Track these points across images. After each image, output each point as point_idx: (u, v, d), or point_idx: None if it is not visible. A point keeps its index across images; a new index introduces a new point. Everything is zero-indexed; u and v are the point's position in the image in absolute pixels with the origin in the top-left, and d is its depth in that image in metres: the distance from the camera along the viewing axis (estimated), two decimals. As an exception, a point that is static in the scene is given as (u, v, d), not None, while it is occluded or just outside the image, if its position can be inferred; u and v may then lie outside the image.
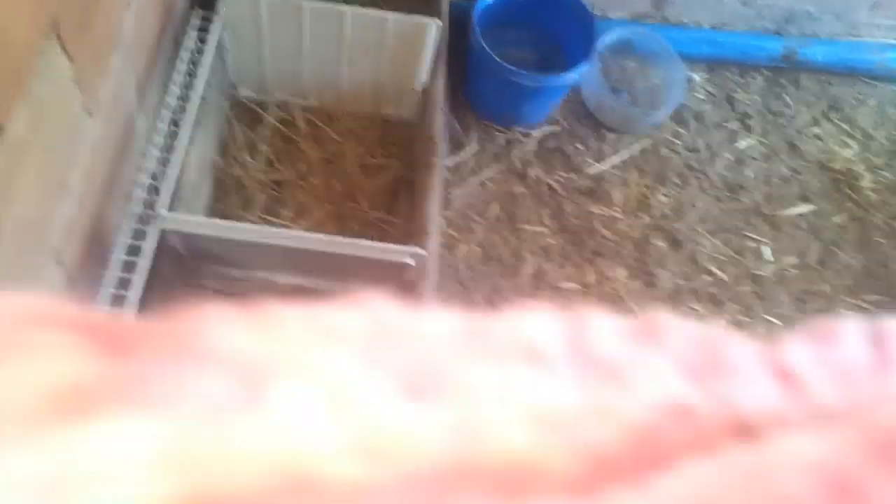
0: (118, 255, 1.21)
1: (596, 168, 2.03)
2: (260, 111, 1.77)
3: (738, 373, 0.21)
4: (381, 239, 1.68)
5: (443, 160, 1.87)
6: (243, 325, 0.18)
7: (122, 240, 1.23)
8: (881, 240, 2.07)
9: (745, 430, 0.19)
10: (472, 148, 1.99)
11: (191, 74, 1.49)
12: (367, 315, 0.20)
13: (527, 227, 1.91)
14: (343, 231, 1.66)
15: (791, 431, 0.19)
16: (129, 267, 1.23)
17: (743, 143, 2.17)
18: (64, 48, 1.04)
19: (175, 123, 1.43)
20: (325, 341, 0.19)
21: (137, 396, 0.16)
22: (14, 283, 0.99)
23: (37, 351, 0.17)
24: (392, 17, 1.56)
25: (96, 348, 0.17)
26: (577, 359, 0.20)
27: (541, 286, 1.84)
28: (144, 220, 1.30)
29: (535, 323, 0.21)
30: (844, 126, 2.26)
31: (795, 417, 0.20)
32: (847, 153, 2.21)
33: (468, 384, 0.18)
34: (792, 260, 2.00)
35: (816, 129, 2.24)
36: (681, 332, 0.22)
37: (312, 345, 0.18)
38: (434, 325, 0.20)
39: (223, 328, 0.18)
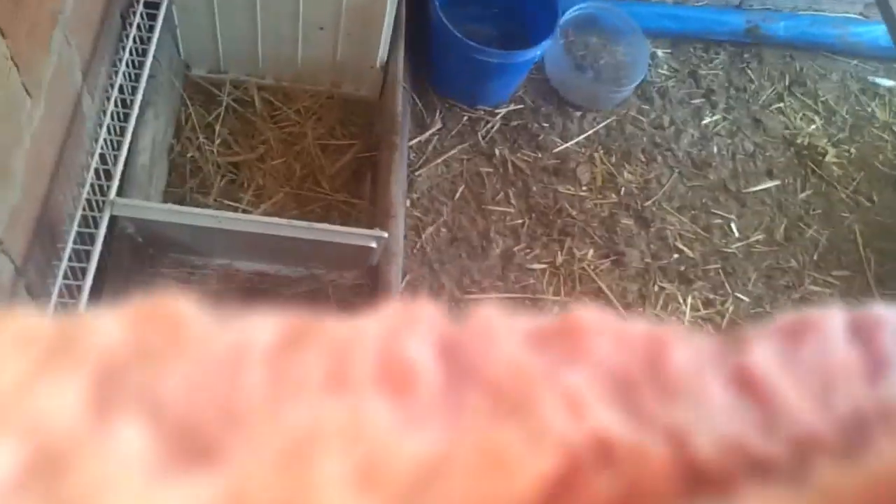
0: (69, 244, 1.14)
1: (561, 146, 2.00)
2: (215, 91, 1.70)
3: (686, 387, 0.16)
4: (345, 222, 1.63)
5: (406, 140, 1.83)
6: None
7: (73, 227, 1.16)
8: (846, 214, 2.07)
9: (698, 479, 0.14)
10: (435, 127, 1.95)
11: (139, 53, 1.42)
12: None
13: (493, 207, 1.88)
14: (305, 214, 1.61)
15: (755, 484, 0.14)
16: (80, 256, 1.17)
17: (708, 119, 2.15)
18: (-1, 24, 0.98)
19: (124, 104, 1.36)
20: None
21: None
22: (-49, 275, 0.93)
23: None
24: (349, -9, 1.50)
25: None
26: (464, 381, 0.15)
27: (509, 267, 1.81)
28: (95, 206, 1.23)
29: (412, 340, 0.16)
30: (808, 101, 2.26)
31: (759, 449, 0.15)
32: (811, 128, 2.21)
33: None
34: (759, 236, 1.99)
35: (780, 105, 2.23)
36: (610, 335, 0.17)
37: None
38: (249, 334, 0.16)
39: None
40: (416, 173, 1.87)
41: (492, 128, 1.99)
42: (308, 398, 0.14)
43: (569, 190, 1.94)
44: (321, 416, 0.14)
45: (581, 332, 0.17)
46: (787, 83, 2.28)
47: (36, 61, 1.12)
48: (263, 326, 0.16)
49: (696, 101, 2.18)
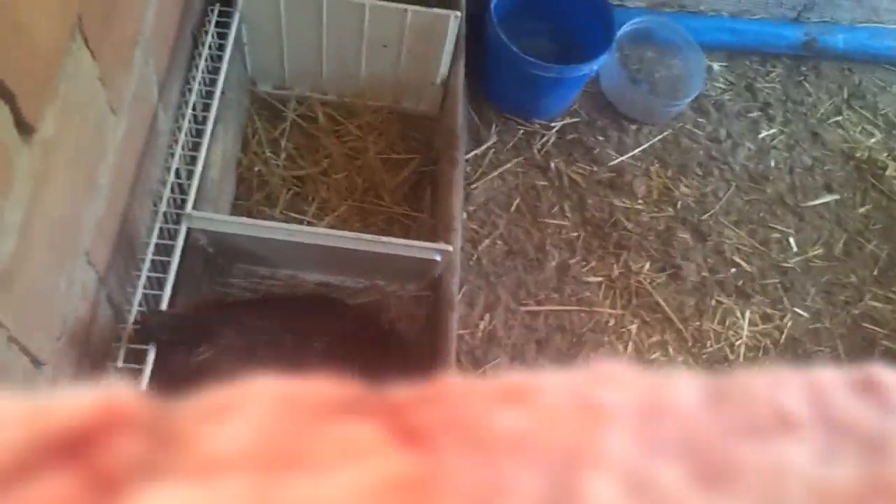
0: (148, 255, 1.19)
1: (617, 159, 2.01)
2: (279, 106, 1.75)
3: None
4: (405, 234, 1.66)
5: (463, 154, 1.85)
6: (507, 403, 0.17)
7: (152, 239, 1.21)
8: (907, 228, 2.05)
9: None
10: (491, 141, 1.97)
11: (210, 70, 1.47)
12: (622, 387, 0.18)
13: (549, 220, 1.89)
14: (367, 226, 1.65)
15: None
16: (159, 266, 1.22)
17: (765, 133, 2.14)
18: (88, 46, 1.03)
19: (197, 120, 1.41)
20: (595, 420, 0.17)
21: (462, 495, 0.15)
22: (49, 285, 0.98)
23: (348, 447, 0.16)
24: (412, 10, 1.54)
25: (396, 439, 0.17)
26: (827, 425, 0.18)
27: (565, 279, 1.82)
28: (172, 219, 1.28)
29: (772, 384, 0.18)
30: (867, 114, 2.24)
31: None
32: (870, 141, 2.18)
33: (749, 467, 0.16)
34: (818, 251, 1.98)
35: (838, 118, 2.21)
36: None
37: (584, 425, 0.17)
38: (678, 392, 0.18)
39: (492, 407, 0.17)
40: (472, 186, 1.90)
41: (547, 141, 2.01)
42: None
43: (624, 203, 1.94)
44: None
45: (882, 383, 0.18)
46: (845, 96, 2.26)
47: (119, 80, 1.18)
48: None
49: (753, 114, 2.17)
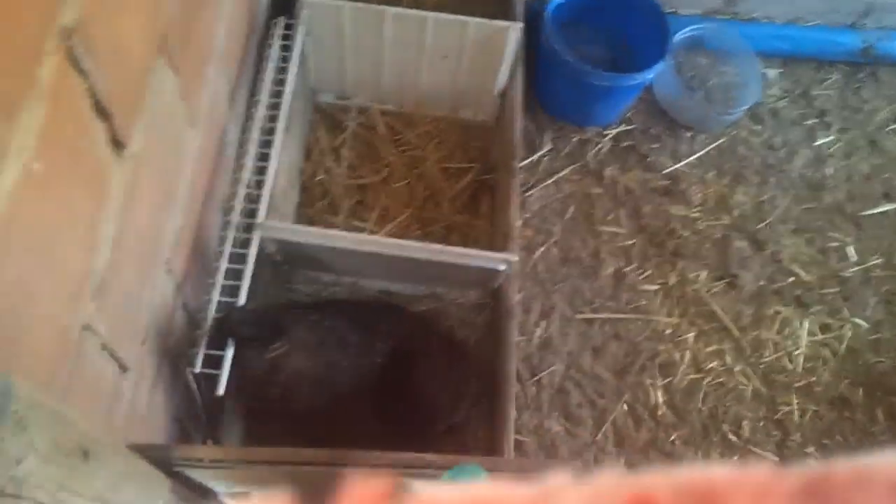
0: (223, 263, 1.23)
1: (672, 167, 2.00)
2: (340, 116, 1.78)
3: None
4: (464, 242, 1.69)
5: (519, 163, 1.87)
6: None
7: (225, 248, 1.25)
8: (970, 238, 2.01)
9: None
10: (546, 148, 1.98)
11: (275, 82, 1.50)
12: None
13: (604, 227, 1.90)
14: (426, 234, 1.67)
15: None
16: (233, 274, 1.25)
17: (822, 140, 2.12)
18: (170, 62, 1.06)
19: (263, 131, 1.44)
20: None
21: None
22: (135, 294, 1.02)
23: None
24: (473, 22, 1.56)
25: None
26: None
27: (621, 287, 1.83)
28: (244, 228, 1.32)
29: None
30: (926, 120, 2.20)
31: None
32: (930, 148, 2.15)
33: None
34: (877, 260, 1.95)
35: (896, 125, 2.18)
36: None
37: None
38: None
39: None
40: (528, 193, 1.91)
41: (601, 149, 2.01)
42: None
43: (680, 211, 1.94)
44: None
45: None
46: (904, 103, 2.23)
47: (196, 95, 1.21)
48: None
49: (809, 121, 2.15)
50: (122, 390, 1.01)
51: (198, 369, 1.16)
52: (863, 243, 1.98)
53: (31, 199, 0.69)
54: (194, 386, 1.19)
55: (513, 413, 1.34)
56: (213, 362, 1.21)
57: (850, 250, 1.96)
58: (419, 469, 0.91)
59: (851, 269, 1.93)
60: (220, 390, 1.12)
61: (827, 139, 2.13)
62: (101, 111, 0.83)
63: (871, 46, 2.21)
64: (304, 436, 1.14)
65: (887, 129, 2.17)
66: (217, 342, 1.17)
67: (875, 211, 2.03)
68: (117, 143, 0.89)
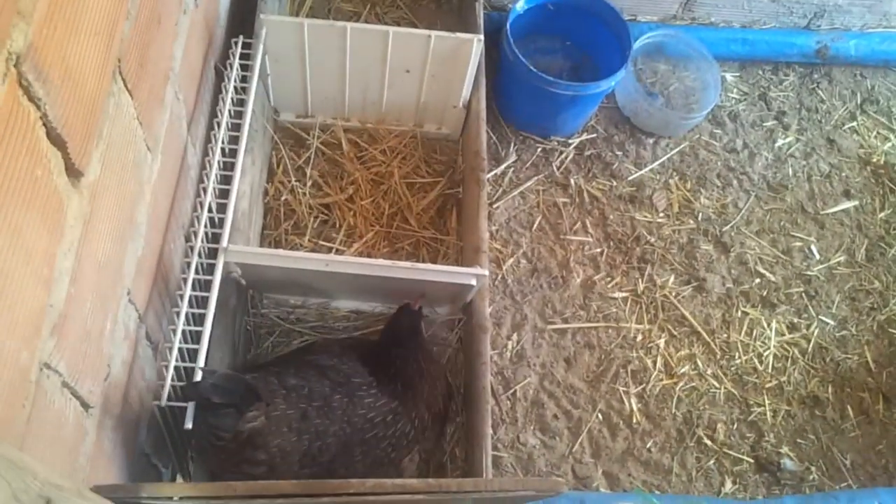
0: (187, 290, 1.19)
1: (636, 174, 2.01)
2: (303, 134, 1.76)
3: None
4: (433, 258, 1.67)
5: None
6: None
7: (189, 274, 1.22)
8: (930, 232, 2.05)
9: None
10: (510, 160, 1.98)
11: (235, 103, 1.47)
12: None
13: (571, 236, 1.90)
14: (394, 251, 1.65)
15: None
16: (198, 302, 1.22)
17: (781, 142, 2.15)
18: (127, 86, 1.03)
19: (225, 153, 1.41)
20: None
21: None
22: (96, 328, 0.98)
23: None
24: (435, 35, 1.55)
25: None
26: None
27: (591, 296, 1.82)
28: (207, 253, 1.28)
29: None
30: (881, 119, 2.24)
31: None
32: (886, 146, 2.19)
33: None
34: (840, 258, 1.98)
35: (853, 124, 2.22)
36: None
37: None
38: None
39: None
40: (494, 206, 1.90)
41: (566, 158, 2.01)
42: None
43: (646, 217, 1.95)
44: None
45: None
46: (859, 101, 2.27)
47: (153, 118, 1.18)
48: None
49: (769, 123, 2.17)
50: (85, 429, 0.97)
51: (164, 403, 1.12)
52: (825, 241, 2.01)
53: (-18, 235, 0.65)
54: (160, 420, 1.15)
55: (489, 431, 1.32)
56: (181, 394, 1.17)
57: (814, 249, 1.98)
58: (398, 495, 0.89)
59: (815, 268, 1.95)
60: (189, 424, 1.08)
61: (786, 140, 2.15)
62: (56, 139, 0.80)
63: (825, 47, 2.25)
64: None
65: (844, 128, 2.21)
66: (191, 399, 1.11)
67: (836, 209, 2.06)
68: (74, 172, 0.86)
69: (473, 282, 1.32)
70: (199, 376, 1.14)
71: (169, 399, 1.14)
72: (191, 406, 1.10)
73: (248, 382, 1.12)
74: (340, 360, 1.30)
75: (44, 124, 0.76)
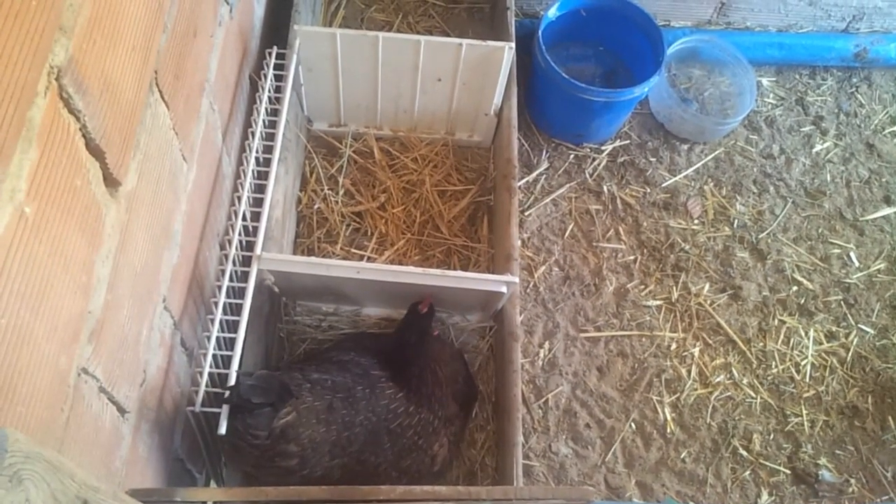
0: (221, 298, 1.21)
1: (670, 180, 1.99)
2: (336, 143, 1.77)
3: None
4: (464, 265, 1.67)
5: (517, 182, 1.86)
6: None
7: (224, 282, 1.23)
8: (973, 239, 2.00)
9: None
10: (542, 167, 1.97)
11: (269, 112, 1.49)
12: None
13: (604, 244, 1.89)
14: (425, 259, 1.66)
15: None
16: (232, 309, 1.23)
17: (819, 147, 2.11)
18: (163, 97, 1.05)
19: (259, 162, 1.43)
20: None
21: None
22: (133, 334, 1.00)
23: None
24: (466, 43, 1.55)
25: None
26: None
27: (624, 304, 1.81)
28: (241, 261, 1.30)
29: None
30: (923, 123, 2.20)
31: None
32: (928, 151, 2.14)
33: None
34: (880, 265, 1.94)
35: (893, 128, 2.17)
36: None
37: None
38: None
39: None
40: (526, 213, 1.90)
41: (598, 165, 2.01)
42: None
43: (680, 224, 1.93)
44: None
45: None
46: (899, 106, 2.23)
47: (189, 128, 1.20)
48: None
49: (806, 128, 2.14)
50: (121, 433, 0.99)
51: (198, 408, 1.14)
52: (865, 248, 1.97)
53: (24, 242, 0.67)
54: (195, 425, 1.17)
55: (520, 439, 1.31)
56: (215, 399, 1.19)
57: (853, 256, 1.95)
58: (428, 502, 0.89)
59: (854, 276, 1.92)
60: (222, 429, 1.09)
61: (824, 145, 2.12)
62: (95, 150, 0.82)
63: (864, 50, 2.21)
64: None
65: (884, 133, 2.17)
66: (230, 402, 1.13)
67: (876, 215, 2.02)
68: (112, 182, 0.88)
69: (504, 289, 1.32)
70: (234, 379, 1.16)
71: (203, 405, 1.16)
72: (224, 410, 1.12)
73: (283, 380, 1.15)
74: (358, 354, 1.34)
75: (83, 135, 0.78)
